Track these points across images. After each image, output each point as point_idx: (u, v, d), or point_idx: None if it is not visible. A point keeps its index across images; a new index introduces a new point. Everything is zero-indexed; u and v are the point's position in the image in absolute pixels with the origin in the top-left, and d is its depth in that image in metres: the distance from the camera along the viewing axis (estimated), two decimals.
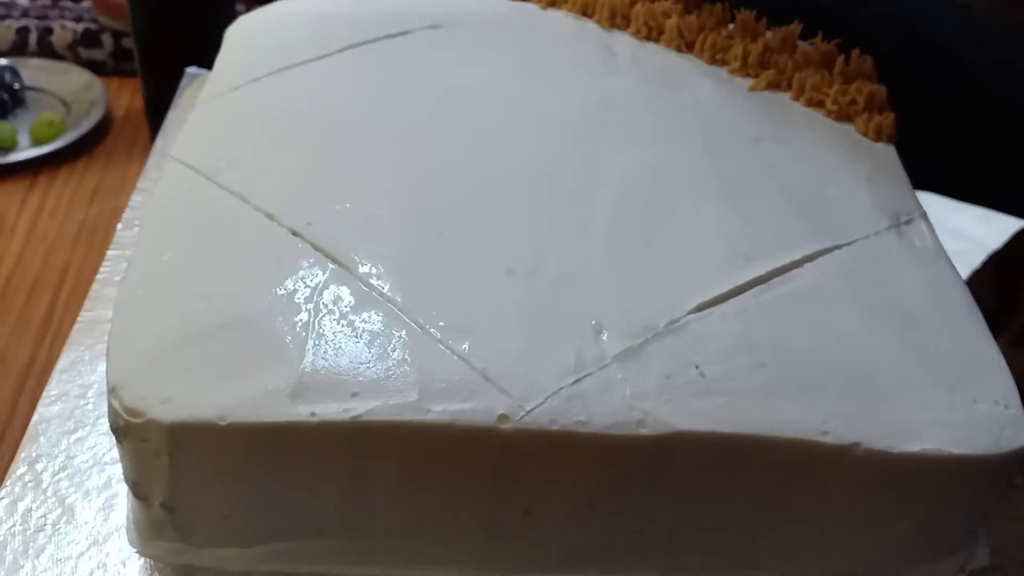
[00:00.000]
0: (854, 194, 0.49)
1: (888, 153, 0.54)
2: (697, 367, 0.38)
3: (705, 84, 0.57)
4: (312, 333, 0.38)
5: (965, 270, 0.58)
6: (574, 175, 0.48)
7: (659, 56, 0.59)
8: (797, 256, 0.44)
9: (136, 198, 0.60)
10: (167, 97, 0.66)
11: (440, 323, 0.38)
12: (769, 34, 0.60)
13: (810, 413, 0.37)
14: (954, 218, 0.70)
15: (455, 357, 0.37)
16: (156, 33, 0.74)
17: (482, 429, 0.36)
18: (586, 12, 0.63)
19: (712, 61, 0.59)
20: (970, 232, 0.70)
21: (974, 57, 0.66)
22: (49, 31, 0.87)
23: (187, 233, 0.43)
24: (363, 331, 0.38)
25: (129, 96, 0.87)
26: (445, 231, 0.43)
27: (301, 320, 0.38)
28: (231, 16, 0.71)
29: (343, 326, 0.38)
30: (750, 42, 0.59)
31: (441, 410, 0.36)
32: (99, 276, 0.55)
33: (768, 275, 0.42)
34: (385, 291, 0.40)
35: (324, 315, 0.39)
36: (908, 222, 0.48)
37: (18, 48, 0.86)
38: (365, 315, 0.39)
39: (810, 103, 0.56)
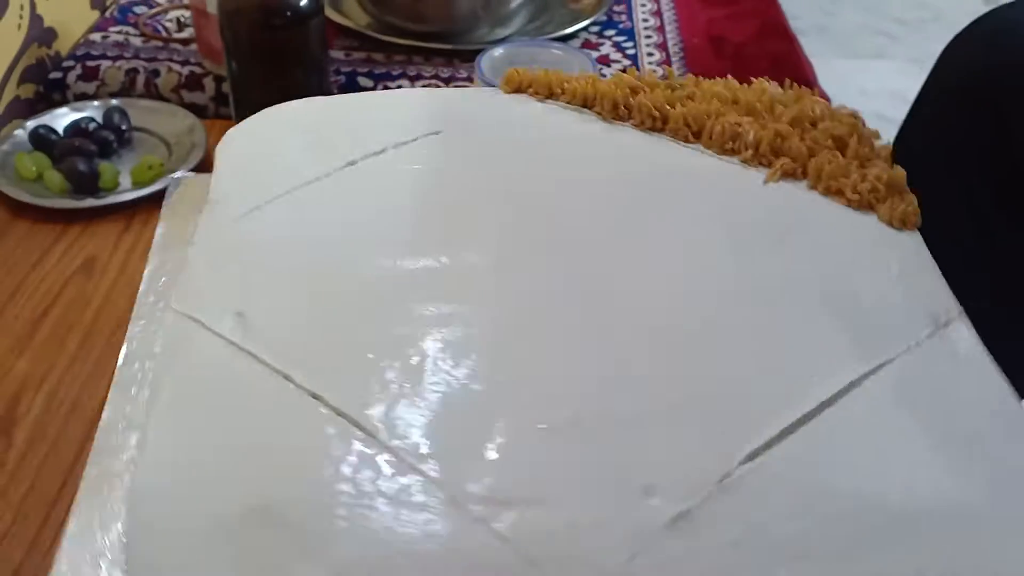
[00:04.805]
0: (888, 295, 0.48)
1: (914, 242, 0.52)
2: (765, 528, 0.35)
3: (719, 179, 0.55)
4: (344, 520, 0.35)
5: None
6: (606, 303, 0.45)
7: (668, 150, 0.57)
8: (844, 382, 0.41)
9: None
10: None
11: (478, 498, 0.36)
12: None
13: (906, 568, 0.34)
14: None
15: (496, 539, 0.35)
16: (248, 80, 0.75)
17: None
18: (586, 104, 0.61)
19: (723, 151, 0.57)
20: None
21: None
22: (156, 73, 0.88)
23: (198, 400, 0.41)
24: (400, 514, 0.36)
25: None
26: (473, 382, 0.41)
27: (331, 504, 0.36)
28: (323, 67, 0.74)
29: (376, 507, 0.36)
30: (760, 128, 0.57)
31: None
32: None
33: (818, 408, 0.40)
34: (416, 464, 0.37)
35: (357, 496, 0.36)
36: (947, 323, 0.47)
37: (126, 89, 0.88)
38: (401, 493, 0.36)
39: (828, 192, 0.55)
